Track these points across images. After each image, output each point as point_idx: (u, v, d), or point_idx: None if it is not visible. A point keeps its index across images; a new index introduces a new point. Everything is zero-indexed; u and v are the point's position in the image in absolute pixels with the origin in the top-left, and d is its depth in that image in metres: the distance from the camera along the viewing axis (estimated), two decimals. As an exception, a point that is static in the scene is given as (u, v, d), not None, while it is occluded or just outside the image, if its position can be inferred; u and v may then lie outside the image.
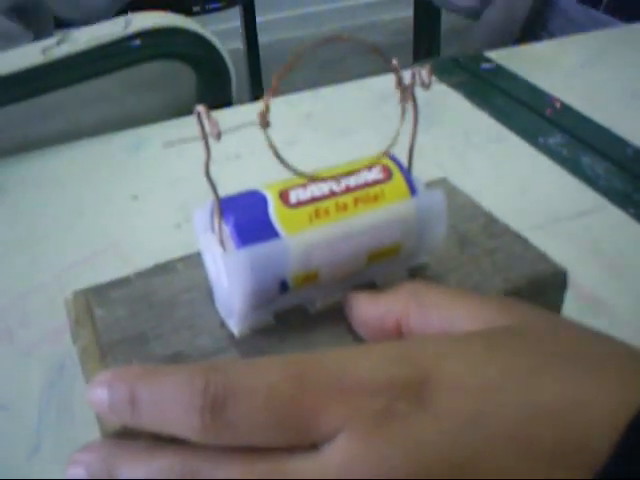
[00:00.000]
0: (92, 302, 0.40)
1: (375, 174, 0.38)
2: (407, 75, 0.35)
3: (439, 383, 0.27)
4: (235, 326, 0.37)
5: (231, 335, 0.37)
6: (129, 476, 0.29)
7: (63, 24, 0.99)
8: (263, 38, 2.25)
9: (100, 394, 0.30)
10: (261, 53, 2.23)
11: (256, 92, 2.13)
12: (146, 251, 0.50)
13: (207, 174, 0.33)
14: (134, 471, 0.29)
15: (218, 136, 0.31)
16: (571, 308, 0.43)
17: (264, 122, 0.32)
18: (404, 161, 0.39)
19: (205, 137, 0.32)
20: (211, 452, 0.28)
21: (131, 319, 0.39)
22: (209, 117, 0.31)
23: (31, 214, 0.57)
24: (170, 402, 0.28)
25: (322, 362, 0.28)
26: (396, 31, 2.97)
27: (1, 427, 0.39)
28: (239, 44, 2.15)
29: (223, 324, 0.38)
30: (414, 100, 0.36)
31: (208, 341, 0.37)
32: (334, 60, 2.82)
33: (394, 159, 0.39)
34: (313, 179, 0.36)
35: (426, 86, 0.35)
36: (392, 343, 0.30)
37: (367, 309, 0.35)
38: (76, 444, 0.37)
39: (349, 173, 0.37)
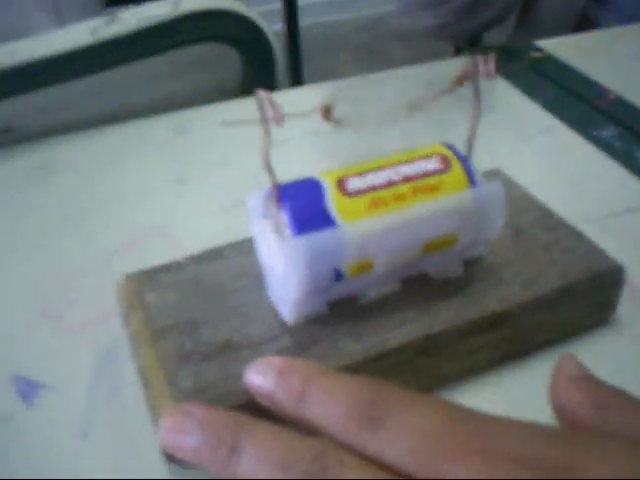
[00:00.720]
0: (144, 286, 0.40)
1: (434, 164, 0.37)
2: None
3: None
4: (288, 314, 0.37)
5: (283, 323, 0.37)
6: (254, 447, 0.29)
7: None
8: (303, 21, 2.24)
9: (265, 380, 0.31)
10: (301, 36, 2.23)
11: (296, 74, 2.13)
12: (193, 235, 0.50)
13: (266, 161, 0.33)
14: (264, 443, 0.29)
15: (281, 121, 0.31)
16: (626, 305, 0.42)
17: (326, 117, 0.32)
18: (463, 151, 0.38)
19: (266, 122, 0.31)
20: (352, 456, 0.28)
21: (182, 304, 0.39)
22: (272, 102, 0.31)
23: (77, 195, 0.56)
24: (336, 405, 0.29)
25: (473, 418, 0.28)
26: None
27: (50, 408, 0.39)
28: (279, 26, 2.15)
29: (274, 312, 0.38)
30: (478, 90, 0.35)
31: (259, 329, 0.37)
32: (377, 46, 2.81)
33: (453, 149, 0.38)
34: (372, 167, 0.35)
35: (491, 76, 0.34)
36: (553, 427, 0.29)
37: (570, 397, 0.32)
38: (125, 429, 0.38)
39: (408, 161, 0.37)
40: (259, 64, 0.74)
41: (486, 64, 0.34)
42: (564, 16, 0.95)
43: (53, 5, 0.92)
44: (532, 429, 0.28)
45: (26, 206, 0.56)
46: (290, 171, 0.37)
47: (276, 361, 0.32)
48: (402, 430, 0.28)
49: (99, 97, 0.70)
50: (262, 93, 0.31)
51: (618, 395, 0.30)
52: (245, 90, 0.74)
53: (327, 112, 0.32)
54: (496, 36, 1.09)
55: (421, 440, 0.27)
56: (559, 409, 0.32)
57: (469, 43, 1.08)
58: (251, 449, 0.29)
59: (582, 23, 0.93)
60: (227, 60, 0.73)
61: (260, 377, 0.32)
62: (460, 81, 0.35)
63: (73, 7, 0.93)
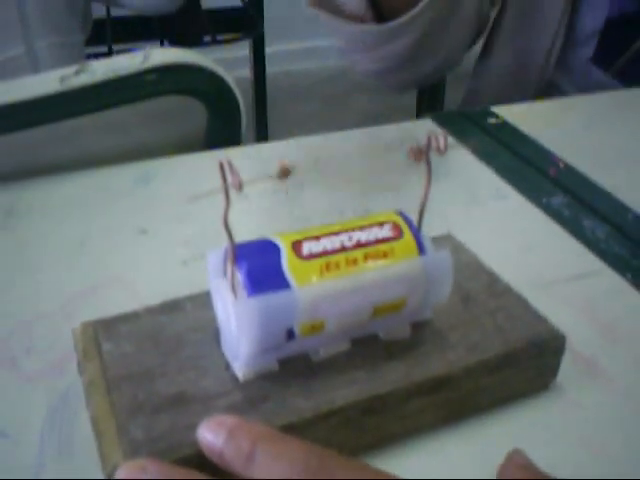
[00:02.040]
0: (100, 335, 0.41)
1: (386, 231, 0.39)
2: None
3: None
4: (240, 370, 0.38)
5: (235, 378, 0.38)
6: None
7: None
8: (270, 69, 2.27)
9: (216, 438, 0.33)
10: (267, 83, 2.25)
11: (261, 120, 2.15)
12: (153, 286, 0.51)
13: (225, 222, 0.34)
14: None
15: (240, 187, 0.32)
16: (567, 371, 0.44)
17: (284, 176, 0.33)
18: (413, 216, 0.40)
19: (226, 188, 0.33)
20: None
21: (138, 355, 0.40)
22: (232, 169, 0.32)
23: (37, 240, 0.57)
24: (283, 469, 0.31)
25: None
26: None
27: (1, 455, 0.39)
28: (245, 72, 2.17)
29: (228, 366, 0.39)
30: (429, 164, 0.37)
31: (212, 383, 0.38)
32: (340, 96, 2.84)
33: (405, 217, 0.40)
34: (326, 233, 0.37)
35: (441, 152, 0.36)
36: None
37: None
38: (76, 475, 0.38)
39: (361, 228, 0.38)
40: (224, 116, 0.75)
41: (437, 141, 0.35)
42: (519, 71, 0.96)
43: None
44: None
45: (-15, 249, 0.56)
46: (249, 224, 0.38)
47: (228, 420, 0.33)
48: None
49: (65, 143, 0.71)
50: (223, 161, 0.33)
51: None
52: (210, 141, 0.76)
53: (284, 173, 0.34)
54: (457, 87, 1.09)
55: None
56: None
57: (429, 106, 1.09)
58: None
59: (548, 89, 0.95)
60: (193, 112, 0.74)
61: (211, 435, 0.33)
62: (418, 157, 0.37)
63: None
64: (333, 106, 2.75)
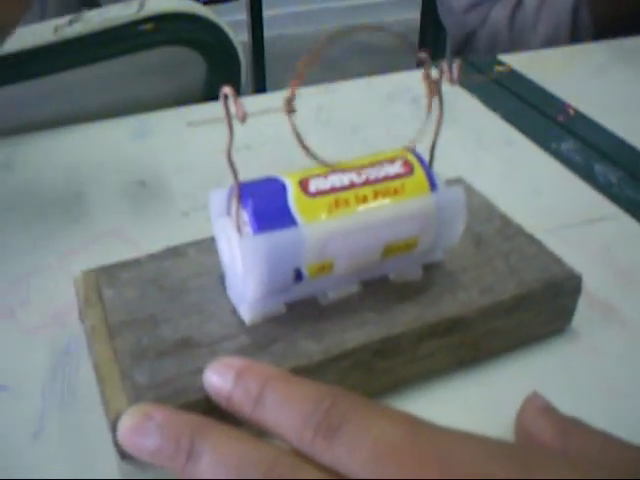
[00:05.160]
0: (102, 281, 0.39)
1: (397, 168, 0.37)
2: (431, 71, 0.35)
3: None
4: (246, 313, 0.37)
5: (241, 322, 0.37)
6: (212, 451, 0.29)
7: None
8: (268, 32, 2.24)
9: (223, 381, 0.31)
10: (265, 47, 2.23)
11: (259, 85, 2.13)
12: (152, 237, 0.50)
13: (229, 157, 0.33)
14: (221, 448, 0.29)
15: (244, 118, 0.31)
16: (582, 315, 0.43)
17: (290, 108, 0.32)
18: (425, 157, 0.39)
19: (229, 119, 0.31)
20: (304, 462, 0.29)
21: (140, 301, 0.38)
22: (236, 98, 0.31)
23: (34, 194, 0.56)
24: (293, 410, 0.29)
25: (430, 431, 0.29)
26: (400, 33, 2.97)
27: (3, 408, 0.38)
28: (244, 37, 2.15)
29: (234, 311, 0.38)
30: (440, 95, 0.35)
31: (218, 327, 0.37)
32: (338, 59, 2.82)
33: (416, 154, 0.38)
34: (335, 169, 0.35)
35: (454, 81, 0.34)
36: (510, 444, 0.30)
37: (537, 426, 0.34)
38: (79, 428, 0.37)
39: (371, 165, 0.37)
40: (223, 69, 0.74)
41: (450, 71, 0.34)
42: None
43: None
44: (490, 446, 0.28)
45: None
46: (253, 176, 0.37)
47: (235, 362, 0.32)
48: (358, 441, 0.28)
49: (61, 99, 0.69)
50: (228, 89, 0.31)
51: (577, 424, 0.32)
52: (208, 95, 0.74)
53: (289, 103, 0.32)
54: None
55: (377, 452, 0.27)
56: (526, 434, 0.33)
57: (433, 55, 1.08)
58: (208, 454, 0.29)
59: None
60: (191, 64, 0.73)
61: (218, 377, 0.32)
62: (432, 91, 0.35)
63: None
64: (332, 69, 2.73)
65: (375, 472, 0.27)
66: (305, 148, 0.32)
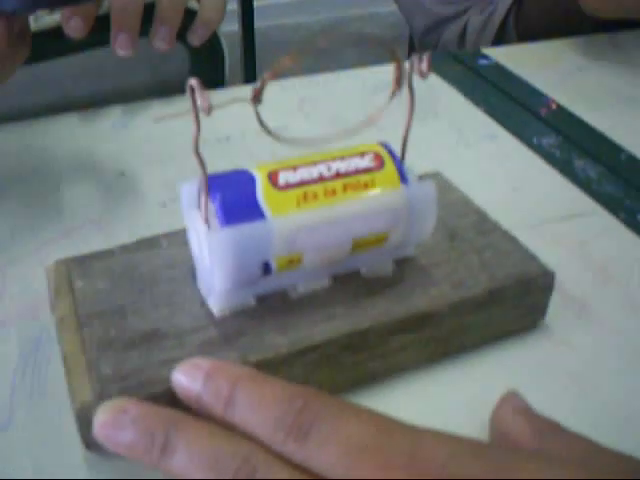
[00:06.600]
0: (73, 272, 0.39)
1: (367, 162, 0.37)
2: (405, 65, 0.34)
3: None
4: (215, 305, 0.37)
5: (210, 314, 0.37)
6: (186, 446, 0.29)
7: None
8: (259, 23, 2.23)
9: (192, 382, 0.31)
10: (256, 38, 2.22)
11: (249, 77, 2.12)
12: (129, 228, 0.50)
13: (196, 149, 0.33)
14: (195, 443, 0.29)
15: (209, 110, 0.30)
16: (556, 310, 0.43)
17: (256, 98, 0.32)
18: (398, 151, 0.38)
19: (196, 111, 0.31)
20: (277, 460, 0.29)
21: (111, 292, 0.38)
22: (201, 91, 0.31)
23: (14, 184, 0.55)
24: (264, 411, 0.29)
25: (401, 431, 0.29)
26: (392, 24, 2.97)
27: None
28: (234, 27, 2.14)
29: (203, 303, 0.38)
30: (411, 88, 0.35)
31: (187, 319, 0.37)
32: (331, 51, 2.81)
33: (387, 148, 0.38)
34: (305, 161, 0.35)
35: (424, 75, 0.34)
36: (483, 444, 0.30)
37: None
38: (48, 420, 0.37)
39: (341, 158, 0.37)
40: (206, 60, 0.73)
41: (420, 63, 0.34)
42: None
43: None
44: (463, 446, 0.28)
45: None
46: (233, 167, 0.37)
47: (204, 363, 0.32)
48: (329, 440, 0.28)
49: (43, 87, 0.69)
50: (193, 81, 0.31)
51: (554, 425, 0.32)
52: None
53: (257, 94, 0.32)
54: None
55: (347, 451, 0.28)
56: (502, 434, 0.33)
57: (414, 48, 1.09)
58: (182, 449, 0.29)
59: None
60: (174, 54, 0.72)
61: (187, 378, 0.31)
62: (397, 83, 0.35)
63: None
64: (325, 60, 2.72)
65: (345, 471, 0.27)
66: (268, 132, 0.32)
